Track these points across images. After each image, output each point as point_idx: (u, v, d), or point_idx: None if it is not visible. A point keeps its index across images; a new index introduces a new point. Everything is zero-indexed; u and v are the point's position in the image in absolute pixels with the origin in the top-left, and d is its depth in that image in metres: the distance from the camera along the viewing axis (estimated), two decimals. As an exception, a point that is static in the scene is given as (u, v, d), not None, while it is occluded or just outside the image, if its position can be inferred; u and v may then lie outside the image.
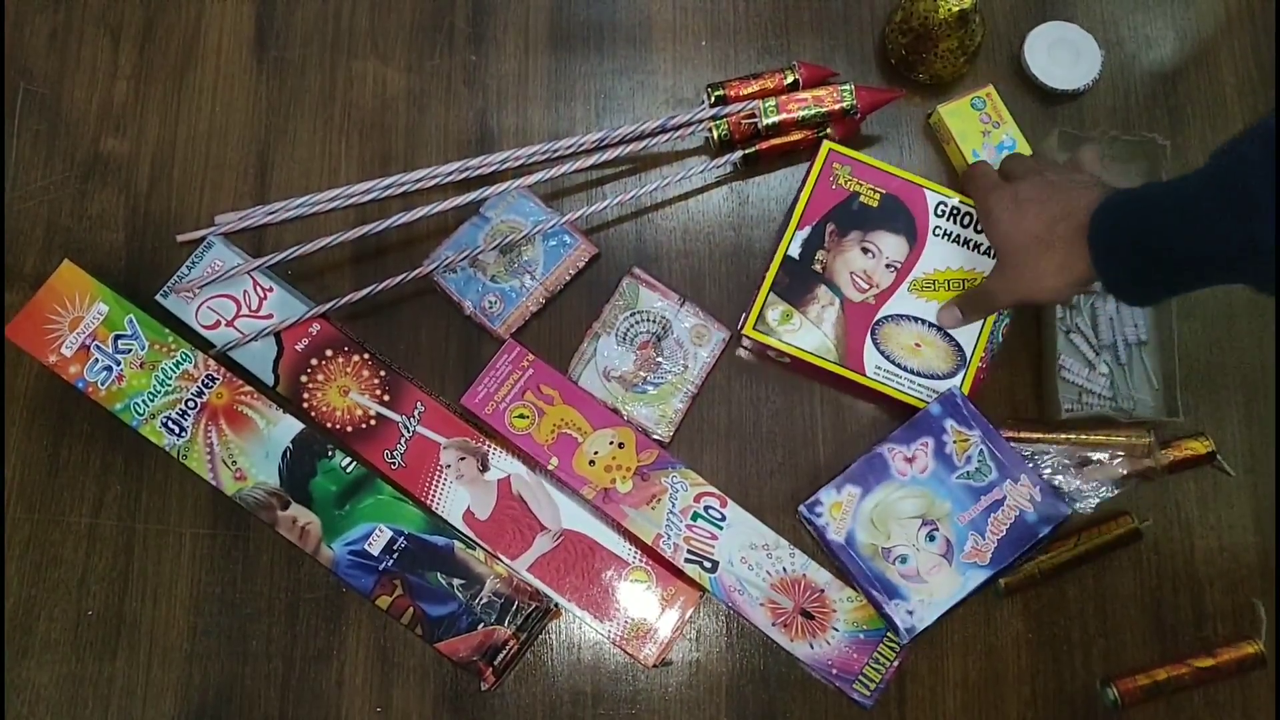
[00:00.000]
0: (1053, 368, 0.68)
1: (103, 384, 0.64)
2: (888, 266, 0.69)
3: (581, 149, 0.70)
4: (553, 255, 0.69)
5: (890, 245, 0.70)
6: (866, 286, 0.69)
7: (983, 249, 0.69)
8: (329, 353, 0.66)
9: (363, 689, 0.65)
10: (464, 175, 0.70)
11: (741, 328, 0.68)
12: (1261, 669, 0.64)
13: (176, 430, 0.64)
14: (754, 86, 0.71)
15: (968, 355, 0.68)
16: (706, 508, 0.64)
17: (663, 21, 0.76)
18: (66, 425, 0.68)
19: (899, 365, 0.67)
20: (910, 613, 0.61)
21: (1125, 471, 0.65)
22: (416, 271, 0.67)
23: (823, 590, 0.63)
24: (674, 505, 0.64)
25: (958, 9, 0.68)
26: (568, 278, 0.69)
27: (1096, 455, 0.66)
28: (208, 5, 0.75)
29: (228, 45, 0.75)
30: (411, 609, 0.62)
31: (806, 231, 0.69)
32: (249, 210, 0.70)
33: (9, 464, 0.67)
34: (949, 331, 0.68)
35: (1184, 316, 0.69)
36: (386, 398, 0.65)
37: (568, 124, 0.74)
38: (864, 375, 0.67)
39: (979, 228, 0.69)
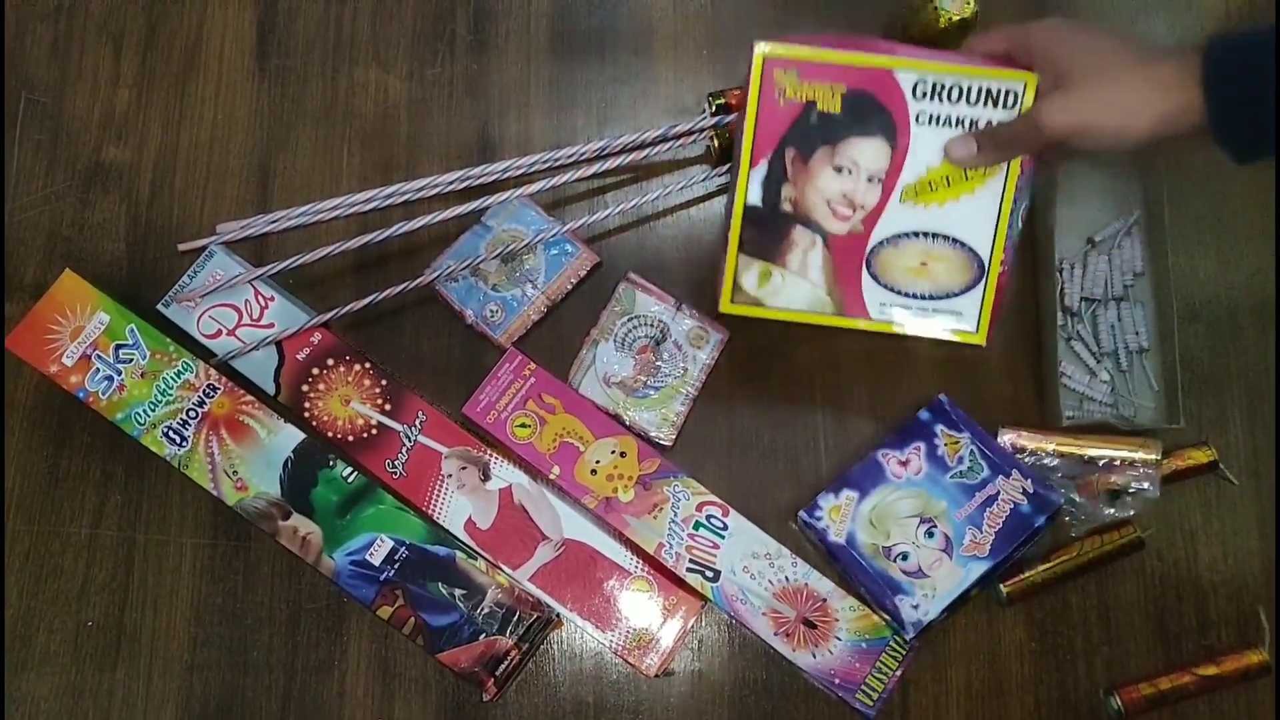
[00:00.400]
0: (1054, 375, 0.68)
1: (104, 394, 0.64)
2: (870, 181, 0.59)
3: (583, 158, 0.70)
4: (554, 264, 0.69)
5: (867, 154, 0.59)
6: (849, 212, 0.59)
7: (984, 126, 0.59)
8: (330, 362, 0.66)
9: (364, 700, 0.65)
10: (465, 184, 0.70)
11: (716, 303, 0.60)
12: (1266, 677, 0.64)
13: (177, 440, 0.64)
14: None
15: (985, 257, 0.58)
16: (709, 517, 0.64)
17: (664, 30, 0.76)
18: (67, 435, 0.68)
19: (905, 294, 0.60)
20: (915, 607, 0.62)
21: (1134, 489, 0.66)
22: (418, 280, 0.67)
23: (825, 599, 0.63)
24: (676, 514, 0.64)
25: (958, 18, 0.68)
26: (569, 286, 0.69)
27: (1105, 477, 0.66)
28: (209, 14, 0.75)
29: (229, 54, 0.75)
30: (413, 619, 0.62)
31: (763, 167, 0.59)
32: (250, 219, 0.70)
33: (9, 474, 0.67)
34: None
35: (1186, 323, 0.69)
36: (388, 407, 0.65)
37: (569, 133, 0.74)
38: (868, 318, 0.59)
39: (978, 96, 0.57)
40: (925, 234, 0.60)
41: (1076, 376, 0.69)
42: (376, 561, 0.62)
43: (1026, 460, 0.66)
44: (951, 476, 0.64)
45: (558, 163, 0.70)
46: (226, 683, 0.65)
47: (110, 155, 0.73)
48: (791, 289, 0.60)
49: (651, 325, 0.68)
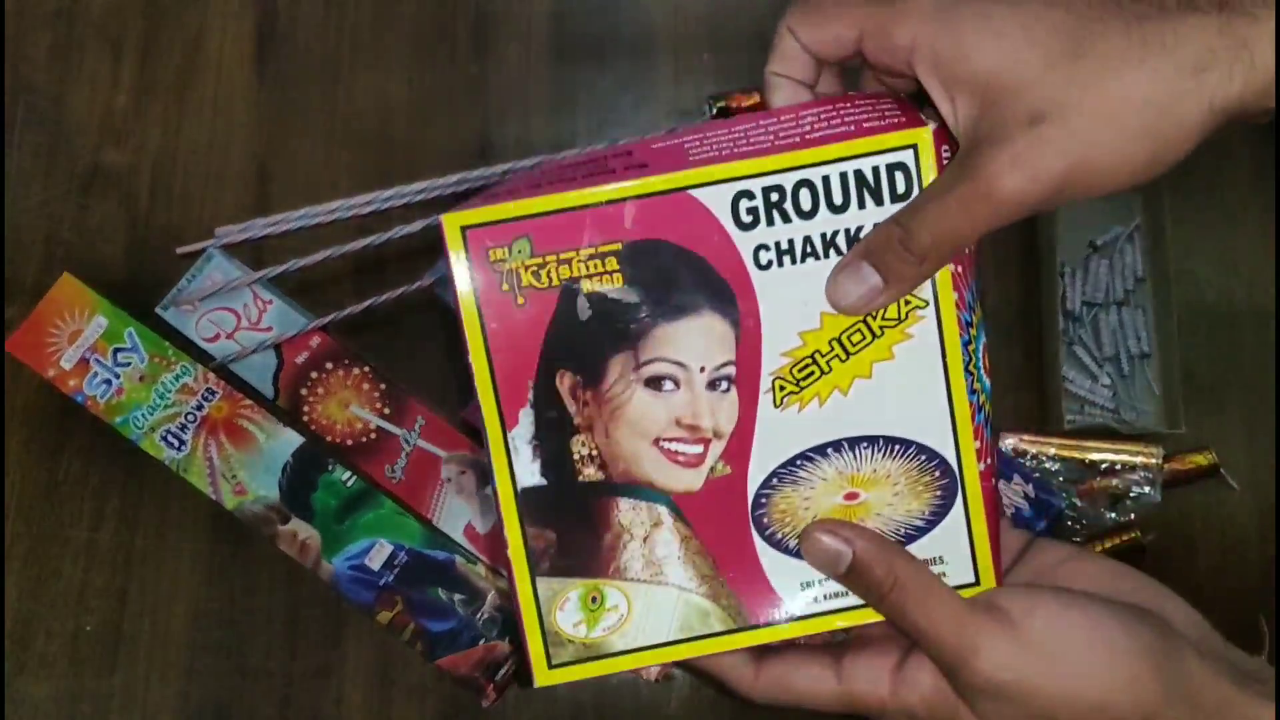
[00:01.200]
0: (1055, 379, 0.68)
1: (102, 397, 0.64)
2: (713, 386, 0.37)
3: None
4: (554, 268, 0.69)
5: (695, 343, 0.36)
6: (697, 450, 0.37)
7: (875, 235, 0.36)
8: (329, 366, 0.66)
9: (363, 706, 0.65)
10: (465, 187, 0.70)
11: (530, 675, 0.39)
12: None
13: (176, 444, 0.63)
14: (756, 98, 0.71)
15: (948, 454, 0.37)
16: (709, 522, 0.63)
17: (665, 33, 0.76)
18: (65, 439, 0.68)
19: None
20: None
21: (1135, 493, 0.65)
22: (418, 284, 0.67)
23: (826, 604, 0.62)
24: (676, 519, 0.63)
25: None
26: (569, 290, 0.69)
27: (1106, 481, 0.66)
28: (208, 18, 0.75)
29: (228, 58, 0.75)
30: (412, 625, 0.62)
31: (525, 423, 0.37)
32: (249, 222, 0.70)
33: (8, 478, 0.67)
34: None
35: (1187, 328, 0.69)
36: (387, 411, 0.65)
37: (569, 135, 0.74)
38: (795, 619, 0.38)
39: (845, 194, 0.35)
40: (837, 445, 0.37)
41: (1078, 381, 0.69)
42: (375, 566, 0.62)
43: (1027, 464, 0.66)
44: (952, 482, 0.63)
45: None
46: (224, 688, 0.65)
47: (109, 159, 0.73)
48: (645, 610, 0.38)
49: (651, 329, 0.68)
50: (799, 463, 0.37)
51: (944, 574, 0.38)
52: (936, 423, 0.37)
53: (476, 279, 0.36)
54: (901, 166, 0.35)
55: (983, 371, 0.38)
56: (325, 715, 0.64)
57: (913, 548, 0.38)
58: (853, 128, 0.35)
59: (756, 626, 0.38)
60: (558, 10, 0.75)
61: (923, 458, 0.37)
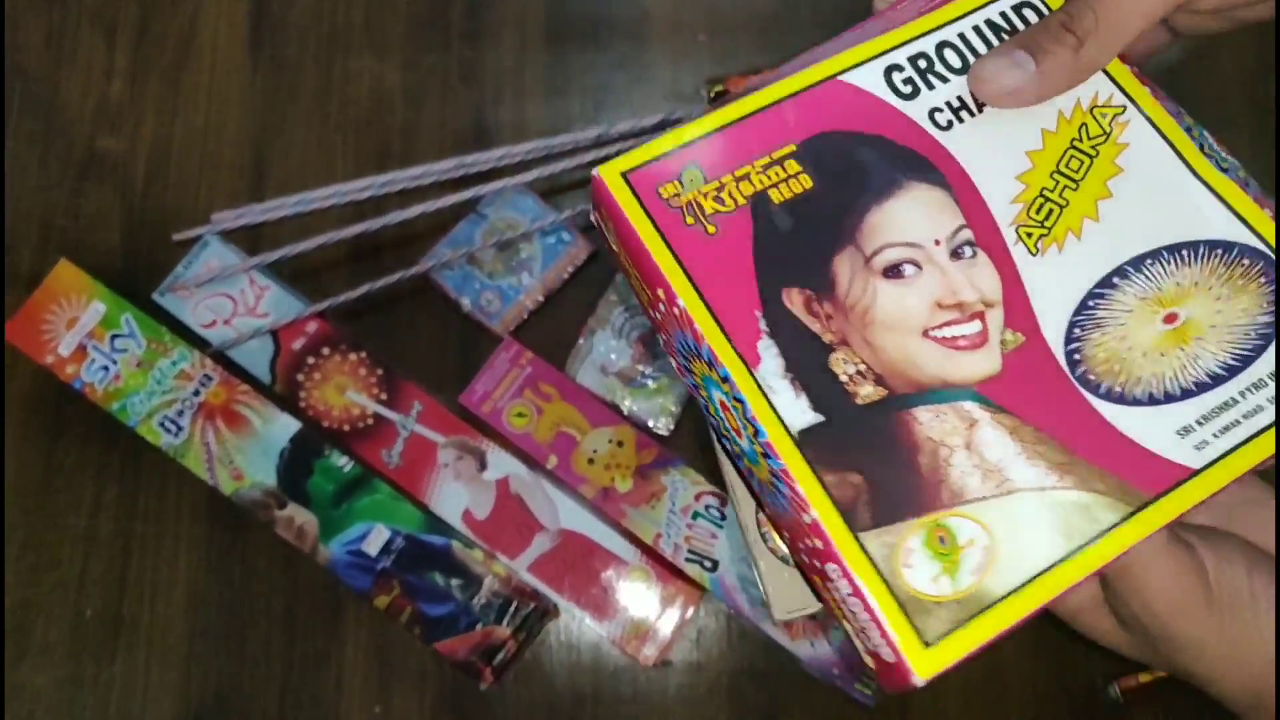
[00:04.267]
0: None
1: (100, 384, 0.64)
2: (957, 256, 0.33)
3: (579, 145, 0.69)
4: (551, 252, 0.69)
5: (916, 220, 0.33)
6: (975, 327, 0.32)
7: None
8: (326, 351, 0.66)
9: (362, 689, 0.65)
10: (461, 172, 0.69)
11: (897, 672, 0.33)
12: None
13: (173, 430, 0.63)
14: (754, 81, 0.71)
15: (1245, 234, 0.33)
16: (707, 506, 0.63)
17: (661, 15, 0.75)
18: (64, 426, 0.68)
19: (1200, 385, 0.32)
20: None
21: None
22: (414, 269, 0.67)
23: (824, 588, 0.62)
24: (674, 504, 0.63)
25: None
26: (566, 275, 0.69)
27: None
28: (202, 3, 0.75)
29: (223, 43, 0.74)
30: (410, 609, 0.62)
31: (770, 354, 0.32)
32: (245, 208, 0.70)
33: (6, 465, 0.67)
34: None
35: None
36: (384, 396, 0.65)
37: (565, 119, 0.73)
38: (1195, 474, 0.31)
39: (993, 30, 0.35)
40: (1120, 273, 0.33)
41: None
42: (373, 551, 0.62)
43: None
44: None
45: (554, 150, 0.69)
46: (224, 673, 0.65)
47: (104, 145, 0.72)
48: (1013, 532, 0.30)
49: (649, 314, 0.68)
50: (1091, 303, 0.33)
51: None
52: (1210, 211, 0.33)
53: (658, 221, 0.33)
54: (1031, 4, 0.35)
55: (1223, 153, 0.35)
56: (324, 699, 0.64)
57: (1254, 370, 0.32)
58: None
59: (1155, 499, 0.31)
60: (554, -7, 0.75)
61: (1219, 250, 0.33)
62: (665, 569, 0.64)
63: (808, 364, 0.32)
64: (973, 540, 0.30)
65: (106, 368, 0.64)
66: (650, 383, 0.67)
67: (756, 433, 0.31)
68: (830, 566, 0.30)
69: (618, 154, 0.35)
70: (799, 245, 0.33)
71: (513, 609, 0.62)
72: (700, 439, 0.68)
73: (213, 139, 0.73)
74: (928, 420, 0.31)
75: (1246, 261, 0.33)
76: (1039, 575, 0.31)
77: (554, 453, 0.64)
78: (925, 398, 0.31)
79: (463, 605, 0.62)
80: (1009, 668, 0.65)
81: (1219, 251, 0.33)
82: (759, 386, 0.31)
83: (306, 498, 0.63)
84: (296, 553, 0.63)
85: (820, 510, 0.30)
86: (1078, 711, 0.64)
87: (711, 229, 0.33)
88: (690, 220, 0.33)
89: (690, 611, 0.63)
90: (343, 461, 0.64)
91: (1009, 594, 0.30)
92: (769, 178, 0.33)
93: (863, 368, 0.32)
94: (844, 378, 0.32)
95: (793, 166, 0.33)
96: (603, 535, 0.64)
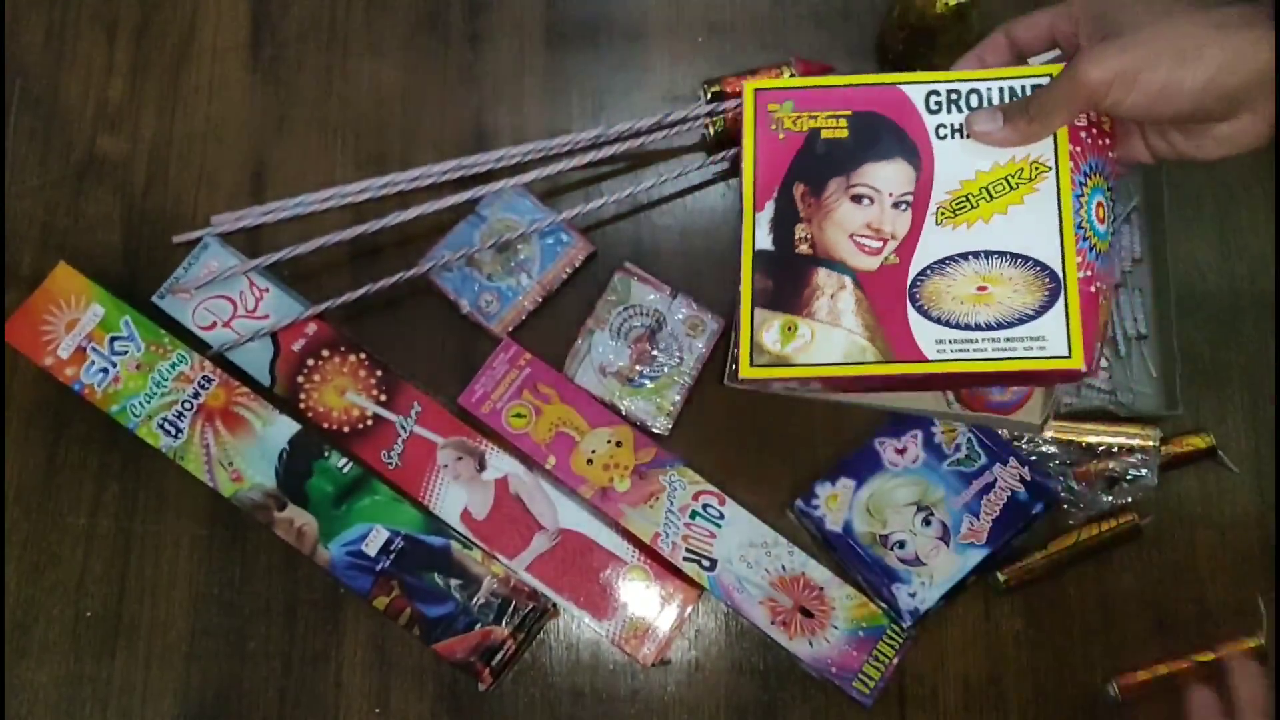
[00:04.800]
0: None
1: (99, 386, 0.64)
2: (896, 207, 0.52)
3: (578, 146, 0.70)
4: (549, 253, 0.69)
5: (888, 177, 0.53)
6: (878, 244, 0.52)
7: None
8: (325, 353, 0.66)
9: (361, 689, 0.65)
10: (460, 174, 0.70)
11: (735, 370, 0.53)
12: (1262, 664, 0.64)
13: (173, 432, 0.64)
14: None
15: (1057, 268, 0.50)
16: (705, 506, 0.64)
17: (659, 17, 0.75)
18: (64, 427, 0.68)
19: (967, 325, 0.50)
20: (913, 595, 0.62)
21: (1132, 476, 0.65)
22: (413, 271, 0.67)
23: (822, 588, 0.63)
24: (672, 503, 0.64)
25: (954, 3, 0.68)
26: (564, 276, 0.69)
27: (1103, 464, 0.66)
28: (202, 2, 0.75)
29: (223, 44, 0.74)
30: (409, 610, 0.62)
31: (770, 209, 0.54)
32: (245, 210, 0.70)
33: (7, 466, 0.67)
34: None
35: (1185, 309, 0.69)
36: (383, 397, 0.65)
37: (564, 121, 0.73)
38: (926, 360, 0.50)
39: (1001, 99, 0.52)
40: (976, 254, 0.51)
41: (1075, 364, 0.69)
42: (372, 552, 0.63)
43: (1024, 447, 0.66)
44: (949, 464, 0.64)
45: (552, 152, 0.69)
46: (224, 672, 0.65)
47: (104, 146, 0.73)
48: (823, 341, 0.52)
49: (647, 314, 0.68)
50: (947, 261, 0.52)
51: (1044, 347, 0.50)
52: (1050, 245, 0.51)
53: (758, 120, 0.55)
54: (1039, 86, 0.52)
55: (1094, 219, 0.52)
56: (324, 698, 0.65)
57: (1023, 329, 0.50)
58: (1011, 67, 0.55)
59: (899, 362, 0.51)
60: (552, -5, 0.75)
61: (1037, 269, 0.51)
62: (664, 568, 0.64)
63: (783, 221, 0.54)
64: (803, 335, 0.52)
65: (106, 370, 0.64)
66: (648, 383, 0.67)
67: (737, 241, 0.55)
68: (738, 316, 0.54)
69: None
70: (820, 163, 0.54)
71: (511, 609, 0.62)
72: (699, 438, 0.68)
73: (212, 141, 0.73)
74: (823, 274, 0.53)
75: (1046, 280, 0.51)
76: (818, 364, 0.52)
77: (553, 453, 0.64)
78: (828, 264, 0.53)
79: (462, 605, 0.62)
80: (1008, 667, 0.65)
81: (1037, 268, 0.51)
82: (753, 219, 0.54)
83: (306, 499, 0.63)
84: (295, 553, 0.64)
85: (744, 287, 0.53)
86: (1077, 709, 0.65)
87: (781, 136, 0.55)
88: (773, 127, 0.55)
89: (689, 610, 0.64)
90: (342, 463, 0.64)
91: (800, 364, 0.52)
92: (826, 124, 0.55)
93: (808, 236, 0.54)
94: (797, 237, 0.54)
95: (842, 123, 0.55)
96: (601, 535, 0.64)
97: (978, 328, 0.51)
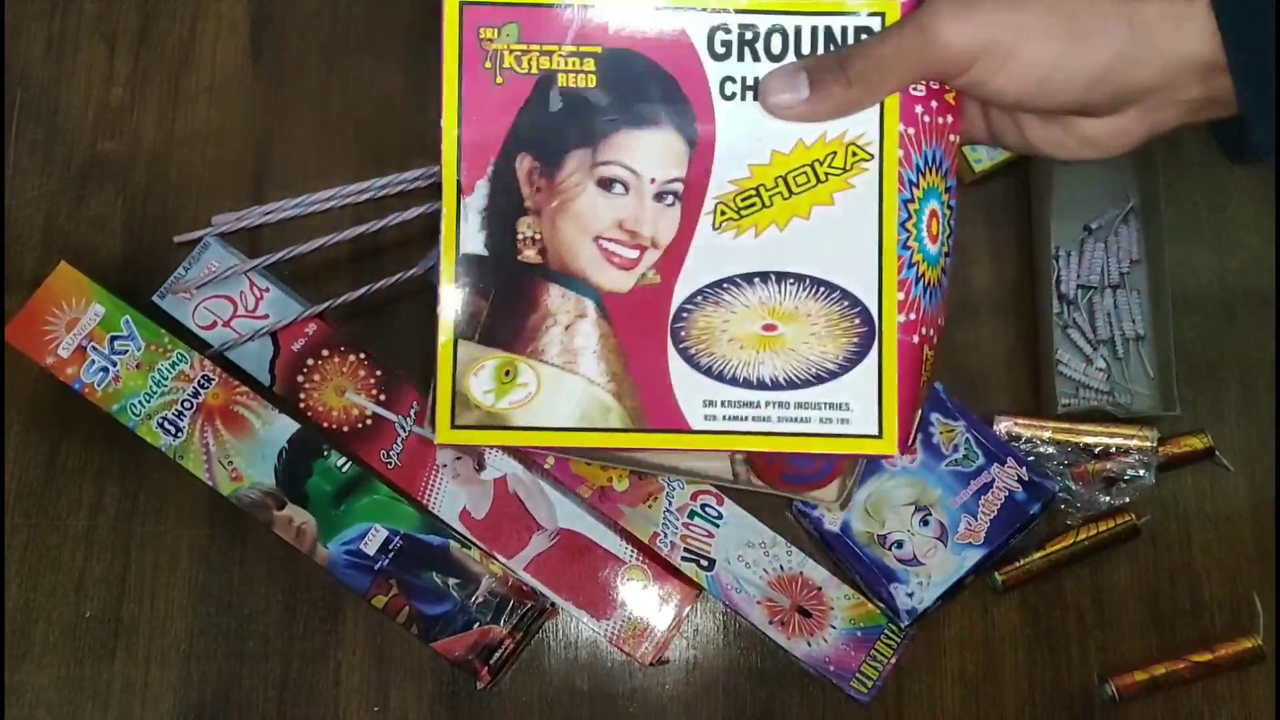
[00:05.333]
0: (1050, 362, 0.68)
1: (99, 385, 0.64)
2: (660, 198, 0.38)
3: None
4: (548, 254, 0.69)
5: (650, 153, 0.38)
6: (634, 254, 0.38)
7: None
8: (325, 352, 0.66)
9: (360, 688, 0.65)
10: (459, 175, 0.70)
11: (431, 427, 0.40)
12: (1260, 663, 0.64)
13: (173, 431, 0.64)
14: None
15: (871, 304, 0.38)
16: (703, 506, 0.64)
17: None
18: (64, 428, 0.68)
19: (747, 383, 0.38)
20: (910, 595, 0.62)
21: (1130, 476, 0.66)
22: (413, 271, 0.67)
23: (820, 588, 0.63)
24: (671, 503, 0.64)
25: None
26: (563, 276, 0.69)
27: (1101, 464, 0.66)
28: (203, 8, 0.75)
29: (223, 48, 0.75)
30: (407, 608, 0.62)
31: (481, 193, 0.39)
32: (245, 211, 0.70)
33: (7, 467, 0.68)
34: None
35: (1182, 310, 0.69)
36: (383, 397, 0.65)
37: (563, 123, 0.74)
38: (688, 431, 0.38)
39: (814, 44, 0.37)
40: (764, 276, 0.38)
41: (1072, 364, 0.69)
42: (371, 551, 0.63)
43: (1022, 448, 0.66)
44: (947, 464, 0.64)
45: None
46: (223, 672, 0.65)
47: (105, 149, 0.73)
48: (553, 394, 0.38)
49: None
50: (725, 285, 0.38)
51: (846, 420, 0.38)
52: (863, 271, 0.38)
53: (463, 51, 0.38)
54: (867, 30, 0.37)
55: (925, 236, 0.38)
56: (323, 697, 0.65)
57: (821, 390, 0.38)
58: None
59: (653, 431, 0.39)
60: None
61: (845, 303, 0.38)
62: (662, 568, 0.64)
63: (501, 213, 0.39)
64: (526, 384, 0.38)
65: (106, 369, 0.64)
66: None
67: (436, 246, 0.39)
68: (435, 352, 0.39)
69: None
70: (553, 126, 0.38)
71: (510, 608, 0.62)
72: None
73: (213, 142, 0.73)
74: (555, 296, 0.39)
75: (856, 321, 0.38)
76: (545, 429, 0.39)
77: (551, 452, 0.65)
78: (564, 280, 0.39)
79: (460, 604, 0.62)
80: (1005, 666, 0.65)
81: (845, 302, 0.38)
82: (457, 209, 0.38)
83: (305, 498, 0.63)
84: (294, 552, 0.64)
85: (442, 309, 0.39)
86: (1074, 709, 0.65)
87: (500, 80, 0.38)
88: (488, 65, 0.38)
89: (687, 610, 0.64)
90: (341, 462, 0.64)
91: (521, 428, 0.39)
92: (567, 64, 0.38)
93: (537, 236, 0.39)
94: (520, 237, 0.39)
95: (589, 65, 0.37)
96: (600, 534, 0.64)
97: (761, 385, 0.38)
